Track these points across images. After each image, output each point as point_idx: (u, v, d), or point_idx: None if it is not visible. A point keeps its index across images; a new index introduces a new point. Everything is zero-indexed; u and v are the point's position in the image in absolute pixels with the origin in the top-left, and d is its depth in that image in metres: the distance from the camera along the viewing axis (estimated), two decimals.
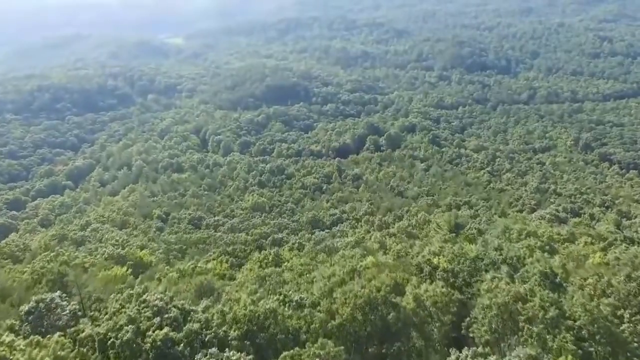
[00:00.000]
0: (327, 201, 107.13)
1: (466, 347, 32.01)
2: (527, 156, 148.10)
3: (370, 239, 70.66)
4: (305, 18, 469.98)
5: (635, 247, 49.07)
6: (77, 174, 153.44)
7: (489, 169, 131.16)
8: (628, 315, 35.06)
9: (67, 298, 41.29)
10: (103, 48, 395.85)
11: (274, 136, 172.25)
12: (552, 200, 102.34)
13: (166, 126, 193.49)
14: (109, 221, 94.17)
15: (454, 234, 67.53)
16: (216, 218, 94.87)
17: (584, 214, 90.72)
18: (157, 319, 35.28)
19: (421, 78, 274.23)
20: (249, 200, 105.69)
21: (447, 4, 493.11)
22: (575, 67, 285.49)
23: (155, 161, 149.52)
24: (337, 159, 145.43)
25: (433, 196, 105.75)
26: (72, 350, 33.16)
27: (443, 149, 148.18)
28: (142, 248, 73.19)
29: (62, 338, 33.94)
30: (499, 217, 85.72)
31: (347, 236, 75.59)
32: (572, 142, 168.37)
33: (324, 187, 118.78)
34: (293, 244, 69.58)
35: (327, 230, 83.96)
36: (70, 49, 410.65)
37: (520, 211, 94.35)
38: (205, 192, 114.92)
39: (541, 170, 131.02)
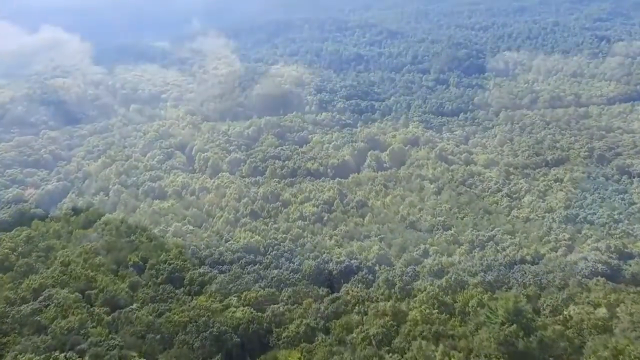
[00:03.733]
0: (331, 237, 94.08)
1: None
2: (543, 172, 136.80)
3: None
4: (295, 19, 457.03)
5: None
6: (48, 200, 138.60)
7: (506, 190, 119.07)
8: None
9: None
10: (83, 54, 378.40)
11: (266, 152, 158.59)
12: (587, 232, 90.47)
13: (149, 141, 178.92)
14: (72, 278, 79.10)
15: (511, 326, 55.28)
16: (201, 270, 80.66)
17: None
18: None
19: (418, 82, 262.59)
20: (240, 239, 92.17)
21: (439, 3, 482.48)
22: (575, 68, 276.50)
23: (136, 185, 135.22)
24: (336, 179, 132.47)
25: (451, 229, 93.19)
26: None
27: (452, 167, 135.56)
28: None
29: None
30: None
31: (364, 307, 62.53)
32: (586, 153, 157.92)
33: (325, 217, 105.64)
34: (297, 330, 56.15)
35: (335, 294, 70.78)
36: (47, 56, 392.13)
37: (555, 249, 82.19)
38: (190, 229, 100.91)
39: (562, 190, 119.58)
